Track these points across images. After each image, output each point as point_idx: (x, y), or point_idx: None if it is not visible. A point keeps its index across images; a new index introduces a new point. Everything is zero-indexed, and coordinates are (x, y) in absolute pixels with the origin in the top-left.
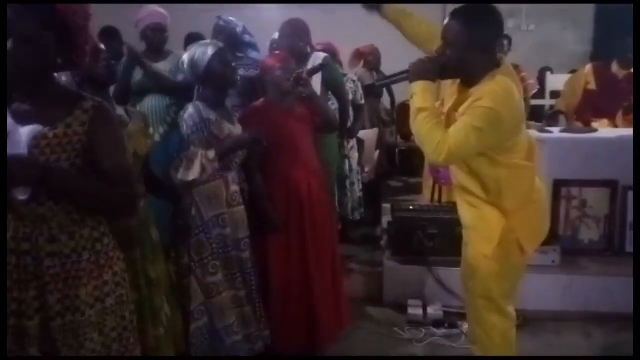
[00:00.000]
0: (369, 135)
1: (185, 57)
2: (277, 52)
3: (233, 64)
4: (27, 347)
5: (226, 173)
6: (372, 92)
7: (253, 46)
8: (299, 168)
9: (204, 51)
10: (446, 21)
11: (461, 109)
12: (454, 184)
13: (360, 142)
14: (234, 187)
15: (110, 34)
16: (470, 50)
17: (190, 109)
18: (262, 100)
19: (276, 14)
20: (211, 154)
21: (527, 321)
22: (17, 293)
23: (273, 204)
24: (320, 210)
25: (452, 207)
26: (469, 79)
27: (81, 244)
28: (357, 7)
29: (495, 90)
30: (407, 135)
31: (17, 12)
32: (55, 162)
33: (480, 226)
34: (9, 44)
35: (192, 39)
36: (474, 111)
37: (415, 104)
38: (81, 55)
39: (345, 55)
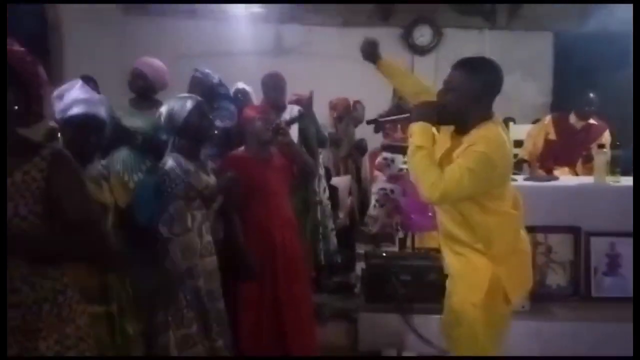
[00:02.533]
0: (342, 181)
1: (163, 109)
2: (255, 104)
3: (210, 117)
4: None
5: (200, 224)
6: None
7: (228, 97)
8: (273, 218)
9: (183, 104)
10: (450, 69)
11: (456, 153)
12: (440, 232)
13: (334, 189)
14: (207, 237)
15: (87, 83)
16: (469, 98)
17: (170, 162)
18: (239, 150)
19: (246, 65)
20: (195, 204)
21: None
22: None
23: (249, 250)
24: (293, 260)
25: (426, 254)
26: (463, 126)
27: (42, 295)
28: (329, 58)
29: (489, 137)
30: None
31: None
32: (14, 209)
33: (468, 274)
34: None
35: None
36: (469, 154)
37: (414, 142)
38: (37, 103)
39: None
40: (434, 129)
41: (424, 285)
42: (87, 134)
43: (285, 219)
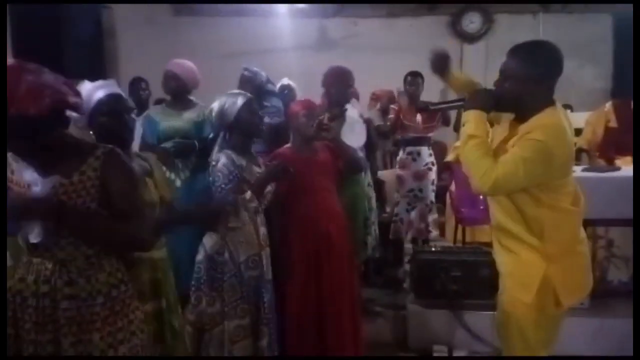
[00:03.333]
0: (388, 175)
1: (215, 105)
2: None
3: (259, 113)
4: None
5: (255, 216)
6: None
7: (275, 94)
8: (318, 213)
9: (234, 101)
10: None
11: (511, 141)
12: (492, 226)
13: (380, 183)
14: (263, 229)
15: (138, 84)
16: (526, 84)
17: (222, 159)
18: (285, 146)
19: (291, 61)
20: (247, 195)
21: None
22: (34, 335)
23: (287, 250)
24: (340, 255)
25: (477, 249)
26: (522, 114)
27: (96, 287)
28: (375, 50)
29: (547, 124)
30: None
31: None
32: (73, 207)
33: (518, 272)
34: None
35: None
36: (524, 143)
37: (467, 130)
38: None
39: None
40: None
41: (475, 281)
42: (117, 115)
43: (330, 214)
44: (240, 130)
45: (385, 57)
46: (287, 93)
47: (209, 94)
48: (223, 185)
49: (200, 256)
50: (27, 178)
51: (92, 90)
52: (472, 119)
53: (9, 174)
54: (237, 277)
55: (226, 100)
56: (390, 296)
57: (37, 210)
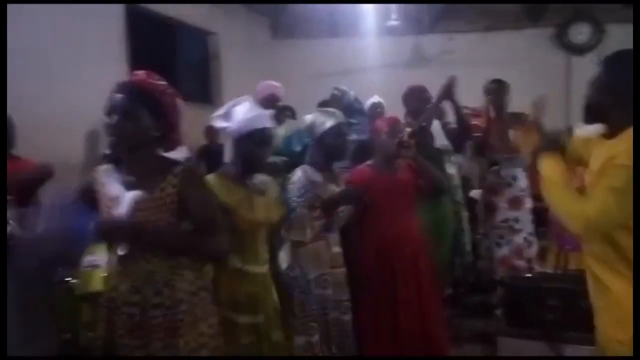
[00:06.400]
0: (478, 194)
1: (306, 120)
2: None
3: (346, 137)
4: None
5: (327, 234)
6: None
7: (363, 112)
8: (394, 236)
9: (323, 121)
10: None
11: (597, 166)
12: (583, 252)
13: (473, 202)
14: (336, 249)
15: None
16: (609, 94)
17: (298, 173)
18: (365, 163)
19: (384, 79)
20: (315, 213)
21: None
22: (128, 340)
23: (363, 271)
24: (415, 277)
25: (577, 276)
26: (609, 129)
27: (179, 296)
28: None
29: (632, 145)
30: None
31: (119, 90)
32: (154, 222)
33: (612, 307)
34: (114, 119)
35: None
36: (611, 170)
37: (543, 175)
38: (177, 131)
39: None
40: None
41: (575, 312)
42: (265, 146)
43: (407, 236)
44: (323, 149)
45: (482, 72)
46: (377, 110)
47: (305, 113)
48: (294, 199)
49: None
50: (114, 192)
51: (252, 115)
52: (546, 163)
53: (99, 188)
54: (306, 294)
55: (317, 117)
56: (481, 322)
57: (120, 234)
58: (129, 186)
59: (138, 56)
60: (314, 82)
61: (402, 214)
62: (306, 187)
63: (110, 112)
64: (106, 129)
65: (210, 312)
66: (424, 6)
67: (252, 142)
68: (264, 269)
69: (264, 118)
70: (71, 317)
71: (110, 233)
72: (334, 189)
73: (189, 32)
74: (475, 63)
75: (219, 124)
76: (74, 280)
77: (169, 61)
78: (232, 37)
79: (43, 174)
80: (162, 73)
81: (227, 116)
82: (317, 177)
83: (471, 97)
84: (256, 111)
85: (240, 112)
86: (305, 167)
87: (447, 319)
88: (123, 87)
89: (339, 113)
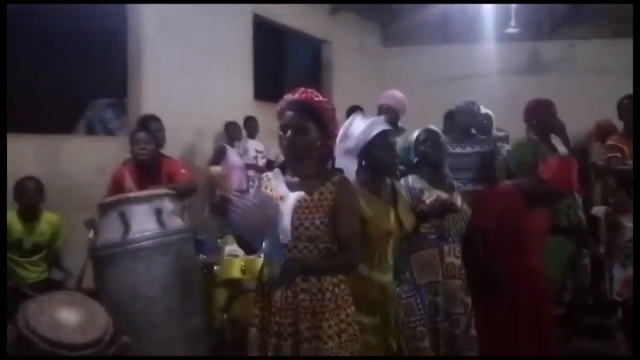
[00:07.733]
0: (602, 212)
1: (415, 133)
2: None
3: (391, 150)
4: None
5: (441, 243)
6: None
7: (489, 128)
8: (517, 262)
9: (413, 135)
10: None
11: None
12: None
13: (596, 220)
14: (451, 259)
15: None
16: None
17: (402, 180)
18: (510, 183)
19: (498, 86)
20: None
21: None
22: (279, 318)
23: (496, 266)
24: (534, 306)
25: None
26: None
27: (325, 285)
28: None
29: None
30: None
31: (290, 107)
32: (312, 220)
33: None
34: (288, 134)
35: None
36: None
37: None
38: (333, 139)
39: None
40: None
41: None
42: (388, 148)
43: (528, 266)
44: (418, 157)
45: (607, 81)
46: (485, 122)
47: (416, 120)
48: None
49: None
50: (279, 192)
51: (368, 126)
52: None
53: (267, 191)
54: (416, 298)
55: (410, 134)
56: (600, 346)
57: (288, 276)
58: (293, 187)
59: (260, 64)
60: (423, 89)
61: (529, 246)
62: (412, 194)
63: (284, 128)
64: (280, 142)
65: (349, 303)
66: (544, 12)
67: (375, 148)
68: (388, 276)
69: (379, 123)
70: (208, 300)
71: (284, 274)
72: (439, 194)
73: (304, 40)
74: (598, 71)
75: (342, 147)
76: (216, 267)
77: (285, 69)
78: (344, 44)
79: (192, 189)
80: (279, 81)
81: (345, 138)
82: (418, 183)
83: (592, 107)
84: (369, 120)
85: (356, 129)
86: (410, 176)
87: (559, 339)
88: (293, 105)
89: (434, 131)
